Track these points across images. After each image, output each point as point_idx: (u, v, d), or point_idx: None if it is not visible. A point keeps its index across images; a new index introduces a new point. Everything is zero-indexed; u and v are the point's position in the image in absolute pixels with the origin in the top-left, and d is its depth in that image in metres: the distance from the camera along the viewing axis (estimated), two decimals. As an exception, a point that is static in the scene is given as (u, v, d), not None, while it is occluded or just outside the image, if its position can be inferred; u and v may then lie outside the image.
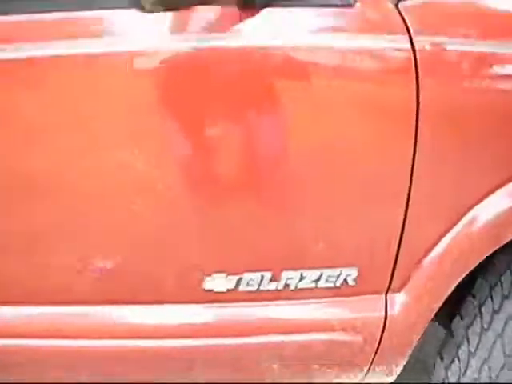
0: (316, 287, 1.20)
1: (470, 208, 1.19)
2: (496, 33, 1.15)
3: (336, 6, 1.07)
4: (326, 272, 1.19)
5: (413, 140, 1.11)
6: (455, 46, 1.10)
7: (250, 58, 1.08)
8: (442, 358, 1.41)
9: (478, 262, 1.25)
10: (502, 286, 1.32)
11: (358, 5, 1.07)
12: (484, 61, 1.13)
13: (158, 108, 1.10)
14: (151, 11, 1.01)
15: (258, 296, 1.19)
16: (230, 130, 1.13)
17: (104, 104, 1.08)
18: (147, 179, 1.12)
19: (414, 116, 1.09)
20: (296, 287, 1.19)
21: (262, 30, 1.07)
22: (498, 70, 1.15)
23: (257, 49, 1.07)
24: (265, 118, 1.12)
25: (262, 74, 1.10)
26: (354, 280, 1.20)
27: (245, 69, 1.09)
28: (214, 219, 1.15)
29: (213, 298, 1.19)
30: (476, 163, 1.18)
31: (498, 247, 1.24)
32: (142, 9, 1.01)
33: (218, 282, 1.18)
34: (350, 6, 1.07)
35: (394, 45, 1.08)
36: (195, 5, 1.01)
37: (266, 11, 1.05)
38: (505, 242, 1.24)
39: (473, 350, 1.33)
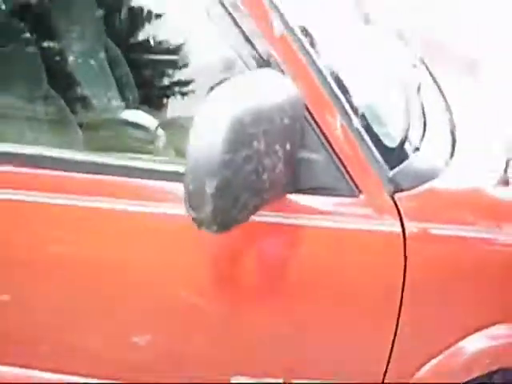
0: None
1: (448, 346, 1.49)
2: (473, 220, 1.44)
3: (345, 195, 1.40)
4: None
5: (400, 291, 1.43)
6: (437, 230, 1.41)
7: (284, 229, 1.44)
8: None
9: None
10: None
11: (361, 196, 1.40)
12: (459, 241, 1.43)
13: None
14: (206, 230, 1.17)
15: (271, 394, 1.56)
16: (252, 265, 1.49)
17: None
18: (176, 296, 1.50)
19: (402, 275, 1.41)
20: (302, 391, 1.55)
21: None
22: (473, 246, 1.45)
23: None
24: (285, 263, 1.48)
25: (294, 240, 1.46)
26: (348, 392, 1.54)
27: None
28: (239, 339, 1.52)
29: None
30: (454, 313, 1.48)
31: (473, 377, 1.53)
32: (198, 227, 1.17)
33: (241, 381, 1.55)
34: (355, 196, 1.40)
35: (388, 227, 1.40)
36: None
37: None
38: (479, 374, 1.53)
39: None
